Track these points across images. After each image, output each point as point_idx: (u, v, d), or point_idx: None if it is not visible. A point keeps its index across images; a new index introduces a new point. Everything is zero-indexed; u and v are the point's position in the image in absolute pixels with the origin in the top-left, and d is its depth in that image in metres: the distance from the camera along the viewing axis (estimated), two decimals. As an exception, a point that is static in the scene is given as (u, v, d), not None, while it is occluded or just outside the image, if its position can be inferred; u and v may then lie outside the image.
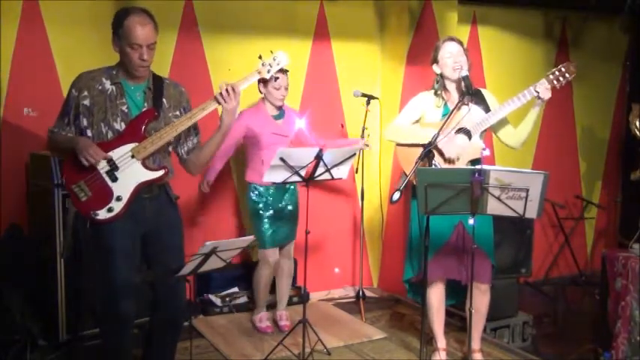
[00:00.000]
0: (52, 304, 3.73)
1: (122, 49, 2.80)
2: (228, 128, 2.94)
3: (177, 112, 2.97)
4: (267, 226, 4.10)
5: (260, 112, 4.11)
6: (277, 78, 3.97)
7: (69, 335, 3.76)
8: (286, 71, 4.02)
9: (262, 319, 4.29)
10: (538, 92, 3.31)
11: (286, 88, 4.10)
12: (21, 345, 3.52)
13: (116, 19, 2.80)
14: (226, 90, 2.85)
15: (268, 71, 2.97)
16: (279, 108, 4.16)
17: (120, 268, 2.87)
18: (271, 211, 4.11)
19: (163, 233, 2.98)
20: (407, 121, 3.59)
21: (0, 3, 3.86)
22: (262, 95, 4.12)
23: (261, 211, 4.11)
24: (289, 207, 4.18)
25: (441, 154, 3.45)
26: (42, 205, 3.79)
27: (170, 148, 3.01)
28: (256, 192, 4.11)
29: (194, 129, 3.02)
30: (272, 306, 4.47)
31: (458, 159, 3.44)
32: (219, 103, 2.87)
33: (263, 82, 3.99)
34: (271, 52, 2.98)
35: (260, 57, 2.98)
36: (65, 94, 2.97)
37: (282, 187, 4.10)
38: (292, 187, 4.17)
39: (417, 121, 3.60)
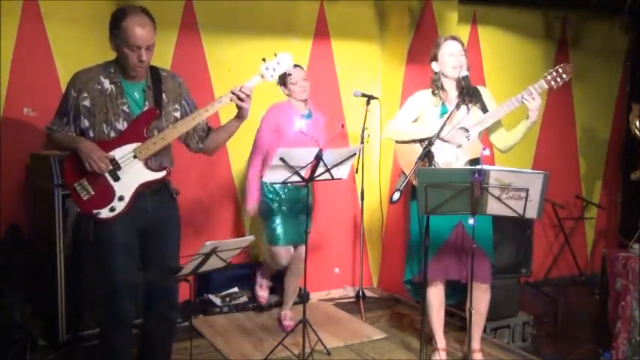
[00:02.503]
0: (52, 304, 3.73)
1: (120, 50, 2.77)
2: (245, 119, 2.98)
3: (177, 106, 2.96)
4: (279, 221, 4.08)
5: (288, 109, 4.09)
6: (290, 74, 3.95)
7: (69, 335, 3.76)
8: (298, 65, 4.01)
9: (262, 285, 4.50)
10: (525, 100, 3.30)
11: (304, 80, 4.07)
12: (21, 345, 3.51)
13: (114, 19, 2.76)
14: (241, 92, 2.86)
15: (272, 75, 2.95)
16: (305, 102, 4.13)
17: (121, 267, 2.87)
18: (285, 209, 4.10)
19: (162, 229, 2.98)
20: (405, 121, 3.60)
21: (0, 2, 3.86)
22: (287, 95, 4.13)
23: (275, 208, 4.09)
24: (303, 207, 4.15)
25: (446, 142, 3.43)
26: (42, 205, 3.79)
27: (182, 141, 3.01)
28: (272, 189, 4.09)
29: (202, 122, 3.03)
30: (278, 305, 4.51)
31: (465, 141, 3.44)
32: (235, 101, 2.87)
33: (281, 82, 4.03)
34: (275, 54, 2.96)
35: (263, 60, 2.95)
36: (65, 93, 2.95)
37: (297, 187, 4.08)
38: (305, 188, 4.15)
39: (415, 121, 3.60)
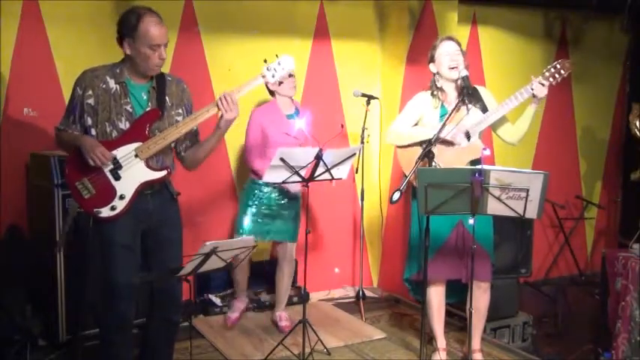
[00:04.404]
0: (52, 304, 3.73)
1: (138, 52, 2.78)
2: (223, 134, 2.97)
3: (180, 110, 2.98)
4: (249, 217, 4.12)
5: (272, 111, 4.12)
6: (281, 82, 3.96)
7: (69, 335, 3.76)
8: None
9: (234, 305, 4.36)
10: (533, 90, 3.32)
11: (292, 75, 4.08)
12: (21, 345, 3.51)
13: (129, 22, 2.77)
14: (225, 99, 2.85)
15: (273, 76, 2.96)
16: (291, 99, 4.16)
17: (121, 267, 2.88)
18: (262, 207, 4.13)
19: (163, 229, 2.99)
20: (406, 124, 3.59)
21: (0, 3, 3.86)
22: (274, 94, 4.14)
23: (249, 203, 4.14)
24: (287, 206, 4.18)
25: (447, 143, 3.43)
26: (42, 205, 3.79)
27: (173, 145, 3.02)
28: (255, 186, 4.13)
29: (193, 129, 3.03)
30: (272, 306, 4.49)
31: (465, 139, 3.44)
32: (218, 109, 2.88)
33: None
34: (276, 55, 2.97)
35: (265, 61, 2.96)
36: (65, 93, 2.98)
37: (282, 188, 4.11)
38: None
39: (416, 123, 3.60)
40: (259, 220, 4.14)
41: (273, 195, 4.14)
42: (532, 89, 3.33)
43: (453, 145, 3.45)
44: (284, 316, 4.31)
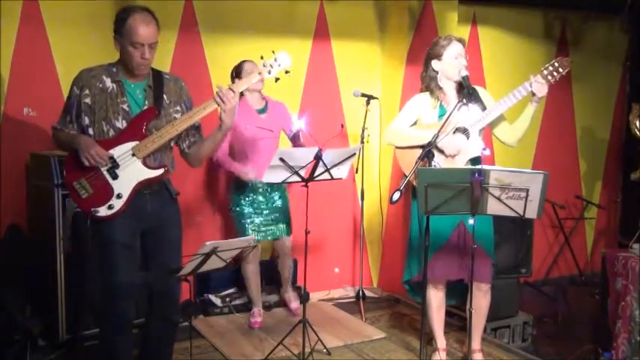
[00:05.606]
0: (52, 304, 3.73)
1: (124, 48, 2.80)
2: (229, 127, 2.96)
3: (178, 107, 2.98)
4: (248, 220, 4.16)
5: (242, 107, 4.11)
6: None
7: (69, 335, 3.76)
8: (250, 60, 4.01)
9: (254, 314, 4.34)
10: (532, 88, 3.31)
11: (260, 72, 4.10)
12: (21, 345, 3.51)
13: (119, 17, 2.80)
14: (223, 92, 2.86)
15: (269, 72, 2.97)
16: (260, 93, 4.19)
17: (120, 268, 2.87)
18: (254, 207, 4.15)
19: (163, 229, 2.99)
20: (404, 124, 3.58)
21: (0, 3, 3.86)
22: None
23: (243, 206, 4.16)
24: (276, 203, 4.20)
25: (441, 152, 3.44)
26: (42, 205, 3.79)
27: (172, 143, 3.02)
28: (240, 186, 4.16)
29: (195, 124, 3.03)
30: (278, 305, 4.52)
31: (459, 152, 3.43)
32: (218, 102, 2.88)
33: (235, 74, 4.06)
34: (273, 52, 2.98)
35: (262, 57, 2.98)
36: (65, 93, 2.97)
37: (268, 184, 4.12)
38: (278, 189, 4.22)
39: (415, 124, 3.60)
40: (256, 225, 4.16)
41: (258, 197, 4.17)
42: (530, 87, 3.32)
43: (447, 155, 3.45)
44: (293, 296, 4.38)
